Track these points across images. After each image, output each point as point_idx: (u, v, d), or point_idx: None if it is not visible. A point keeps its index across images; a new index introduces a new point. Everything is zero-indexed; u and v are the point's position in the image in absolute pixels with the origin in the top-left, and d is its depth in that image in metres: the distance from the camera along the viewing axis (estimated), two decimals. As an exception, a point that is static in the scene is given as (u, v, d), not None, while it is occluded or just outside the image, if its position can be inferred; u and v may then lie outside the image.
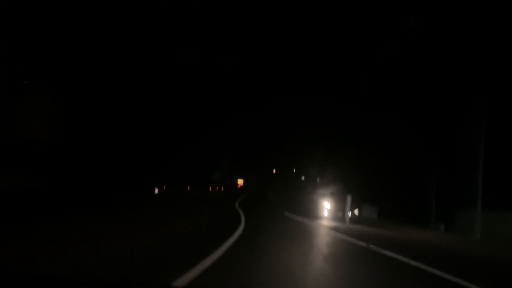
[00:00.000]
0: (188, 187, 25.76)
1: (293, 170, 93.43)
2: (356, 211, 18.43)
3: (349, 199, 17.66)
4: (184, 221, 10.63)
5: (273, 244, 8.33)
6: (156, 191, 21.76)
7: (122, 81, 22.94)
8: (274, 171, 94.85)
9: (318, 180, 73.02)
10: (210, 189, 31.41)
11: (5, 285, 2.01)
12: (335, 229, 14.29)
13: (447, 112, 22.82)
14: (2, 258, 4.21)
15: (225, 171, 57.43)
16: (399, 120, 26.69)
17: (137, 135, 23.44)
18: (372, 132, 29.98)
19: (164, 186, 23.30)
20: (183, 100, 36.09)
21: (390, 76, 26.01)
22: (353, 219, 17.51)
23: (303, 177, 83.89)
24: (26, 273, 2.73)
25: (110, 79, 21.54)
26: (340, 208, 18.06)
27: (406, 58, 23.86)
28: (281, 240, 9.28)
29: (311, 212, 19.86)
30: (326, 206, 18.88)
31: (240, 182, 59.72)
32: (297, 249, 8.02)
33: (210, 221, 12.09)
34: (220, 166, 56.80)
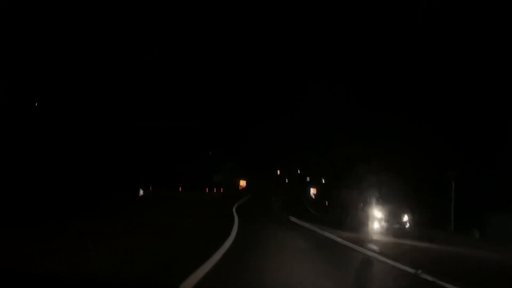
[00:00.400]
0: (180, 188, 22.58)
1: (297, 171, 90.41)
2: (404, 218, 14.37)
3: (372, 201, 14.24)
4: (143, 235, 7.47)
5: (267, 273, 5.10)
6: (141, 192, 18.57)
7: (104, 67, 20.17)
8: (278, 172, 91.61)
9: (323, 181, 69.85)
10: (207, 191, 28.15)
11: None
12: (357, 243, 10.76)
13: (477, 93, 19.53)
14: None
15: (226, 172, 54.26)
16: (416, 109, 23.66)
17: (120, 128, 20.43)
18: (385, 123, 26.68)
19: (150, 187, 20.13)
20: (181, 98, 33.21)
21: (410, 63, 23.07)
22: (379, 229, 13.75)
23: (308, 178, 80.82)
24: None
25: (90, 63, 18.75)
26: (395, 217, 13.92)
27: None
28: (280, 260, 6.07)
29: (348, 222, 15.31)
30: (377, 216, 14.51)
31: (243, 183, 56.47)
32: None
33: (181, 237, 8.79)
34: (220, 166, 53.65)
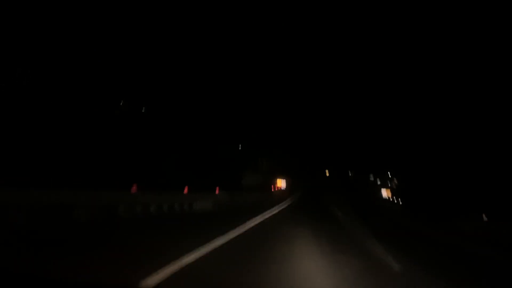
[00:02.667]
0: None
1: (348, 172, 71.39)
2: None
3: None
4: None
5: None
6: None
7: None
8: (327, 173, 73.19)
9: (378, 182, 50.08)
10: (186, 191, 13.05)
11: None
12: None
13: None
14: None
15: (257, 170, 36.73)
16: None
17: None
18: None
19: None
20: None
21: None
22: None
23: (372, 176, 61.01)
24: None
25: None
26: None
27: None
28: None
29: None
30: None
31: (280, 184, 38.19)
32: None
33: None
34: (252, 164, 36.20)
